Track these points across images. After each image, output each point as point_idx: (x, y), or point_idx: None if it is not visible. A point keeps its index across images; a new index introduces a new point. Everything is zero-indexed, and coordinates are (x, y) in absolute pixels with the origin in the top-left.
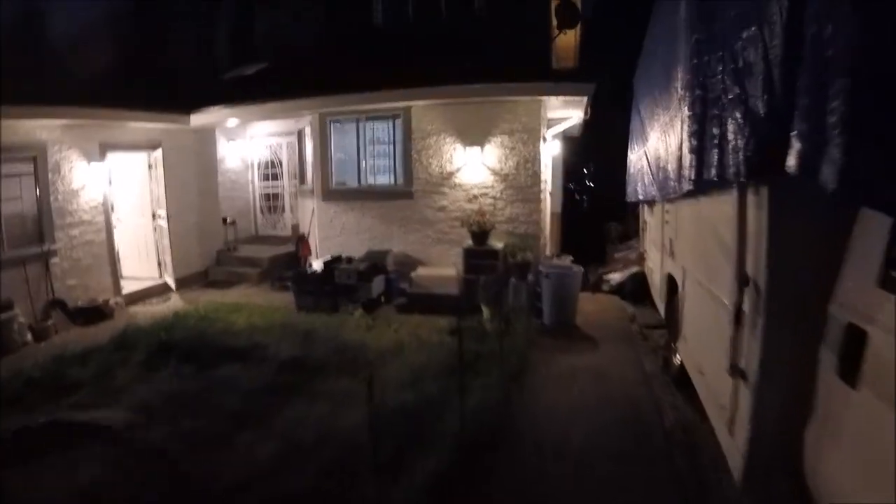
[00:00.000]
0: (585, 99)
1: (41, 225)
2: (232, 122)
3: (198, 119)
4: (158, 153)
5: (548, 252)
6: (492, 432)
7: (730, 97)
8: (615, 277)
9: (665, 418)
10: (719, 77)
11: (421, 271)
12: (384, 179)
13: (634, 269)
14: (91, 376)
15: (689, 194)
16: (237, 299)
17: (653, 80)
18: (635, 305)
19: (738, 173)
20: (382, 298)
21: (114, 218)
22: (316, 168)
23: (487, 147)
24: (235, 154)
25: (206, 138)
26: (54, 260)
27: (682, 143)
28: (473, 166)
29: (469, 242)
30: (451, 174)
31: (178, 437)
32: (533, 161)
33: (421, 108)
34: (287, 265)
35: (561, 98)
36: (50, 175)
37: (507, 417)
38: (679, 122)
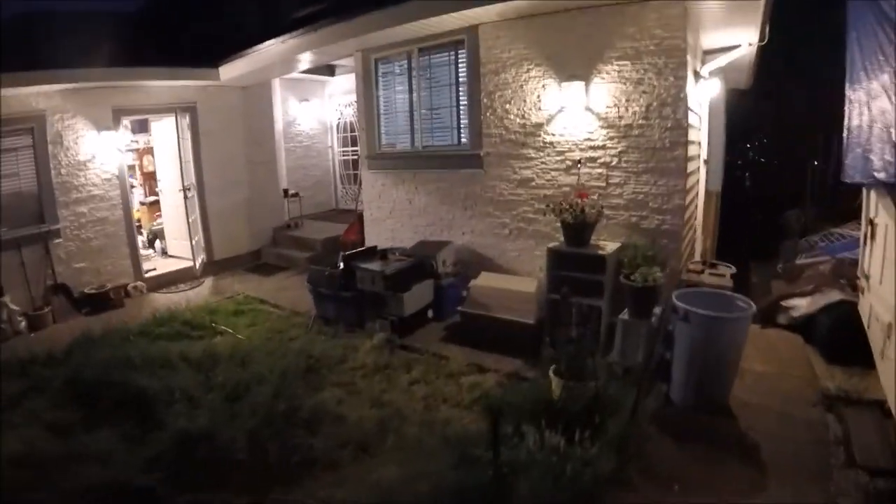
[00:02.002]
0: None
1: (41, 202)
2: (298, 65)
3: (229, 71)
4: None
5: (697, 256)
6: None
7: None
8: (801, 305)
9: None
10: None
11: (483, 280)
12: (444, 139)
13: (836, 296)
14: (6, 400)
15: None
16: (267, 293)
17: None
18: (831, 362)
19: None
20: (431, 313)
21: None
22: (360, 124)
23: (596, 81)
24: (311, 115)
25: (260, 97)
26: (57, 241)
27: None
28: (573, 113)
29: (561, 239)
30: (538, 127)
31: None
32: (674, 105)
33: (493, 25)
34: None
35: (719, 2)
36: (51, 147)
37: None
38: None
